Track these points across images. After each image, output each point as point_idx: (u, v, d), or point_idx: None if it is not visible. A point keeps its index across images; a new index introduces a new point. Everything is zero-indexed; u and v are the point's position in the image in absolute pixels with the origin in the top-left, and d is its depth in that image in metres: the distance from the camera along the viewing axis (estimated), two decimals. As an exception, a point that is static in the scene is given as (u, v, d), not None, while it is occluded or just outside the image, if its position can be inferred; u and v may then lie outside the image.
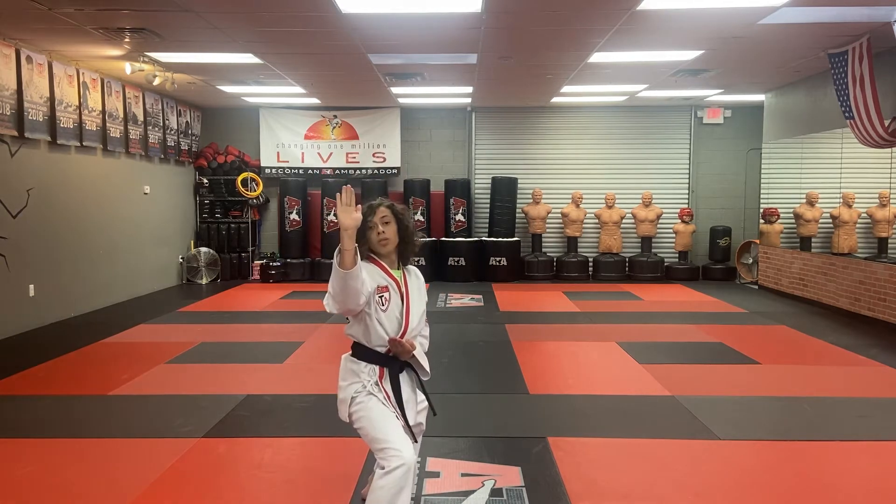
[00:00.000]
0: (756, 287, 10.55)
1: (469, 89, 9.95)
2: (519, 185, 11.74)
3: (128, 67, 7.87)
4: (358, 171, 11.87)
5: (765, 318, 7.97)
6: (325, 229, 11.59)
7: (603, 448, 3.90)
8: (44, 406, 4.71)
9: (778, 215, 10.22)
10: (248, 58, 7.70)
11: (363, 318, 2.67)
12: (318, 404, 4.65)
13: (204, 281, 11.10)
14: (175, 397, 4.89)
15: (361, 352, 2.73)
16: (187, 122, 11.18)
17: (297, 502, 3.26)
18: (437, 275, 11.21)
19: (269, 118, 11.78)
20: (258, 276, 11.36)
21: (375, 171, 11.88)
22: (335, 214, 2.51)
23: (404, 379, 2.77)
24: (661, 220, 11.63)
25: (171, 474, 3.54)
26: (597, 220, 11.77)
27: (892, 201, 9.05)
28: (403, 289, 2.75)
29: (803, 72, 8.69)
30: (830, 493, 3.35)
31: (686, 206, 11.93)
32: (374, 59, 7.82)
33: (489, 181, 11.72)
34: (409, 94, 10.42)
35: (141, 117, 9.53)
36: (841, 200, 9.58)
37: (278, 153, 11.88)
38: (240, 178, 11.28)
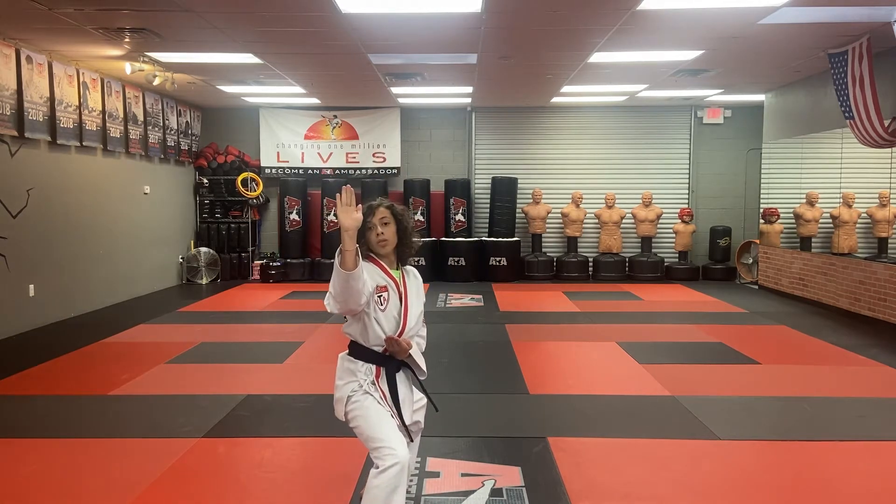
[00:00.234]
0: (756, 287, 10.55)
1: (469, 89, 9.95)
2: (519, 185, 11.74)
3: (128, 67, 7.87)
4: (358, 171, 11.88)
5: (765, 318, 7.97)
6: (325, 229, 11.59)
7: (603, 448, 3.90)
8: (44, 406, 4.72)
9: (778, 215, 10.22)
10: (248, 58, 7.70)
11: (361, 318, 2.68)
12: (318, 404, 4.64)
13: (204, 281, 11.10)
14: (175, 397, 4.89)
15: (358, 351, 2.74)
16: (187, 122, 11.18)
17: (297, 502, 3.26)
18: (437, 275, 11.20)
19: (269, 118, 11.78)
20: (258, 276, 11.36)
21: (375, 171, 11.88)
22: (335, 214, 2.51)
23: (401, 378, 2.77)
24: (661, 220, 11.64)
25: (171, 474, 3.54)
26: (597, 220, 11.77)
27: (892, 201, 9.05)
28: (402, 289, 2.75)
29: (803, 72, 8.69)
30: (830, 493, 3.35)
31: (686, 206, 11.93)
32: (374, 59, 7.82)
33: (489, 181, 11.72)
34: (409, 94, 10.42)
35: (141, 117, 9.53)
36: (841, 200, 9.58)
37: (278, 153, 11.88)
38: (240, 178, 11.28)
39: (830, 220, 9.86)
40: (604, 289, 10.47)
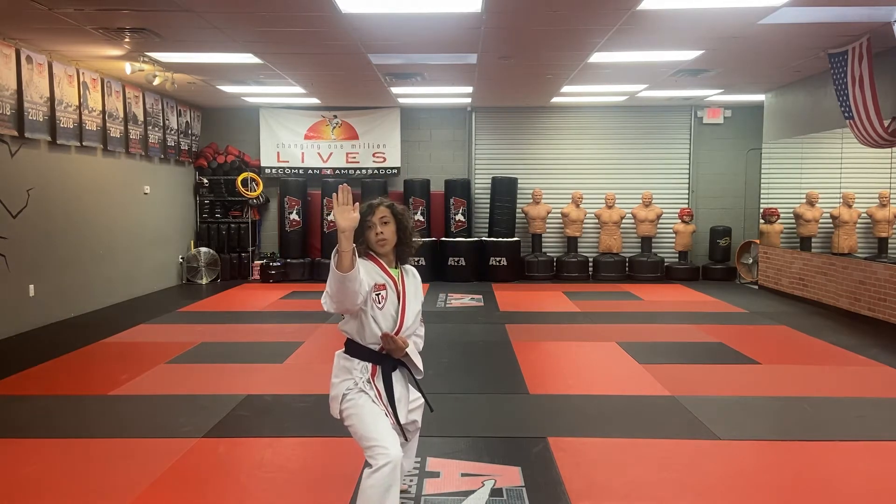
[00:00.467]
0: (756, 287, 10.55)
1: (469, 89, 9.95)
2: (519, 185, 11.74)
3: (128, 67, 7.87)
4: (358, 171, 11.88)
5: (765, 318, 7.97)
6: (325, 229, 11.59)
7: (603, 448, 3.90)
8: (44, 406, 4.71)
9: (778, 215, 10.22)
10: (248, 58, 7.70)
11: (359, 315, 2.68)
12: (318, 404, 4.64)
13: (204, 281, 11.10)
14: (175, 397, 4.89)
15: (355, 349, 2.74)
16: (187, 122, 11.18)
17: (297, 502, 3.26)
18: (437, 275, 11.20)
19: (269, 118, 11.78)
20: (258, 276, 11.36)
21: (375, 171, 11.88)
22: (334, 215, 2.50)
23: (397, 377, 2.77)
24: (661, 220, 11.64)
25: (171, 474, 3.54)
26: (597, 220, 11.77)
27: (892, 201, 9.05)
28: (400, 287, 2.75)
29: (803, 72, 8.69)
30: (830, 493, 3.35)
31: (686, 206, 11.93)
32: (374, 59, 7.82)
33: (489, 181, 11.72)
34: (409, 94, 10.42)
35: (141, 117, 9.53)
36: (841, 200, 9.58)
37: (278, 153, 11.88)
38: (240, 178, 11.28)
39: (830, 220, 9.86)
40: (604, 289, 10.47)
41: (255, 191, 11.35)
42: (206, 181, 11.53)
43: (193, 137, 11.44)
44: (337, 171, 11.86)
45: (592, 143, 12.04)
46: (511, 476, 3.48)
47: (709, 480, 3.49)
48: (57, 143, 7.62)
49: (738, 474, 3.56)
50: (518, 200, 11.73)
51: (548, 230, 11.90)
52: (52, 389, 5.11)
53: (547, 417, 4.46)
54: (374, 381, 2.71)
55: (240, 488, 3.39)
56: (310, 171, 11.88)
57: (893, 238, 9.45)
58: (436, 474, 3.51)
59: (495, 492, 3.30)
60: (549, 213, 11.68)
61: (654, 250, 11.76)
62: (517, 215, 11.71)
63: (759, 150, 10.83)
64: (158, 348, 6.36)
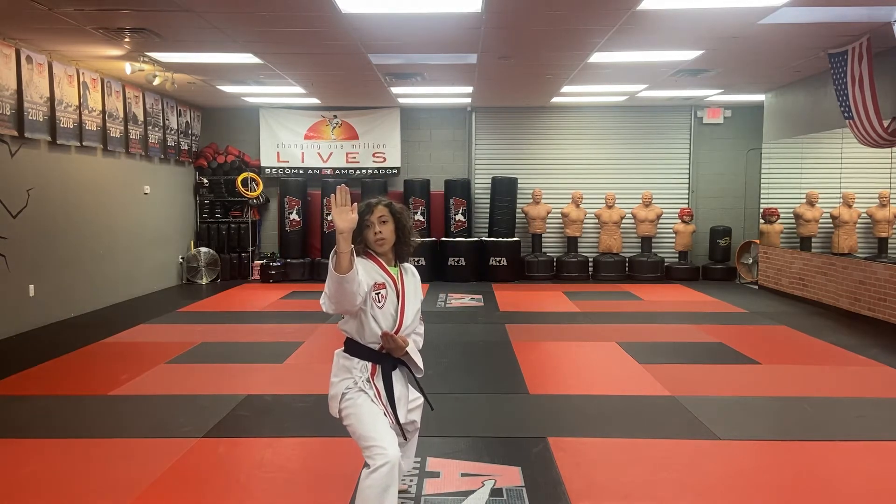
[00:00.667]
0: (756, 287, 10.55)
1: (469, 89, 9.95)
2: (519, 185, 11.74)
3: (128, 67, 7.87)
4: (358, 171, 11.88)
5: (765, 318, 7.97)
6: (325, 229, 11.59)
7: (603, 448, 3.90)
8: (44, 406, 4.71)
9: (778, 215, 10.22)
10: (248, 58, 7.70)
11: (358, 315, 2.68)
12: (318, 404, 4.63)
13: (204, 281, 11.10)
14: (175, 397, 4.89)
15: (354, 348, 2.74)
16: (187, 122, 11.18)
17: (297, 502, 3.26)
18: (437, 275, 11.20)
19: (269, 118, 11.78)
20: (258, 276, 11.35)
21: (375, 171, 11.88)
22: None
23: (397, 376, 2.77)
24: (661, 220, 11.63)
25: (171, 474, 3.54)
26: (597, 220, 11.77)
27: (892, 201, 9.05)
28: (400, 286, 2.75)
29: (803, 72, 8.69)
30: (830, 493, 3.35)
31: (686, 206, 11.93)
32: (374, 59, 7.82)
33: (489, 181, 11.72)
34: (409, 94, 10.42)
35: (141, 117, 9.53)
36: (841, 200, 9.58)
37: (278, 153, 11.88)
38: (240, 178, 11.28)
39: (830, 220, 9.86)
40: (604, 289, 10.47)
41: (255, 191, 11.35)
42: (206, 181, 11.53)
43: (193, 137, 11.44)
44: (337, 171, 11.86)
45: (592, 143, 12.04)
46: (511, 476, 3.48)
47: (709, 480, 3.49)
48: (57, 143, 7.62)
49: (738, 474, 3.56)
50: (518, 200, 11.73)
51: (548, 230, 11.90)
52: (52, 389, 5.11)
53: (547, 417, 4.46)
54: (373, 380, 2.71)
55: (240, 488, 3.39)
56: (310, 171, 11.88)
57: (893, 238, 9.45)
58: (436, 474, 3.51)
59: (495, 492, 3.30)
60: (549, 213, 11.68)
61: (654, 250, 11.76)
62: (517, 215, 11.71)
63: (759, 150, 10.83)
64: (158, 348, 6.36)
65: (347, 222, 2.44)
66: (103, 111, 8.53)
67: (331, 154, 11.87)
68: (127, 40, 6.89)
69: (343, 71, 8.53)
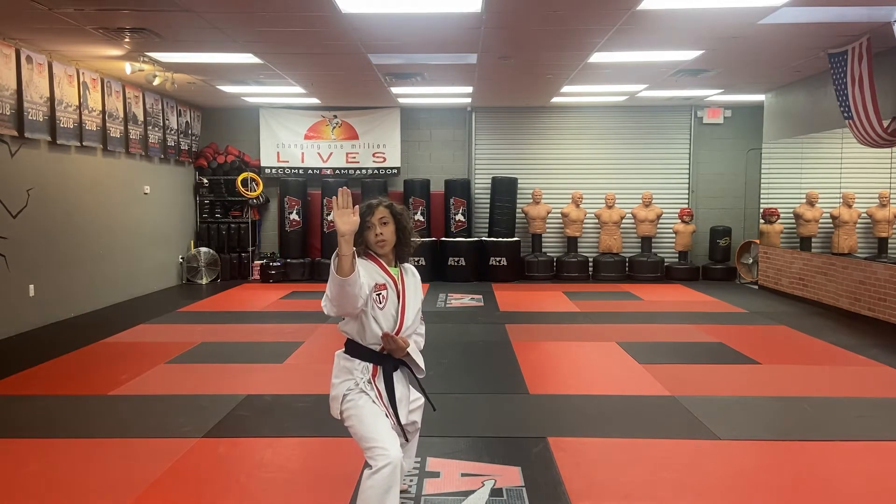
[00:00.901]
0: (756, 287, 10.55)
1: (469, 89, 9.95)
2: (519, 185, 11.74)
3: (128, 67, 7.87)
4: (358, 171, 11.88)
5: (765, 318, 7.97)
6: (325, 229, 11.59)
7: (603, 448, 3.90)
8: (44, 406, 4.71)
9: (778, 215, 10.22)
10: (248, 58, 7.70)
11: (359, 316, 2.68)
12: (318, 404, 4.63)
13: (204, 281, 11.10)
14: (175, 397, 4.89)
15: (355, 349, 2.74)
16: (187, 122, 11.18)
17: (297, 502, 3.26)
18: (437, 275, 11.20)
19: (269, 118, 11.78)
20: (258, 276, 11.36)
21: (375, 171, 11.89)
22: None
23: (398, 377, 2.77)
24: (661, 220, 11.63)
25: (171, 474, 3.54)
26: (597, 220, 11.77)
27: (892, 201, 9.06)
28: (400, 287, 2.75)
29: (803, 72, 8.69)
30: (830, 493, 3.35)
31: (686, 206, 11.93)
32: (374, 59, 7.82)
33: (489, 181, 11.73)
34: (409, 94, 10.42)
35: (141, 117, 9.53)
36: (841, 200, 9.58)
37: (278, 153, 11.88)
38: (240, 178, 11.28)
39: (830, 220, 9.86)
40: (604, 289, 10.47)
41: (255, 191, 11.35)
42: (206, 181, 11.53)
43: (193, 137, 11.44)
44: (337, 171, 11.86)
45: (592, 143, 12.04)
46: (511, 476, 3.48)
47: (708, 480, 3.49)
48: (57, 143, 7.62)
49: (738, 474, 3.56)
50: (518, 200, 11.73)
51: (548, 230, 11.90)
52: (52, 389, 5.11)
53: (547, 417, 4.46)
54: (374, 381, 2.71)
55: (240, 488, 3.39)
56: (310, 171, 11.88)
57: (893, 238, 9.45)
58: (436, 474, 3.51)
59: (495, 492, 3.30)
60: (549, 213, 11.68)
61: (654, 250, 11.76)
62: (517, 215, 11.71)
63: (759, 150, 10.83)
64: (158, 348, 6.36)
65: (349, 225, 2.43)
66: (103, 111, 8.53)
67: (331, 154, 11.87)
68: (127, 40, 6.89)
69: (343, 71, 8.53)
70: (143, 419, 4.43)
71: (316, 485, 3.44)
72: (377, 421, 2.62)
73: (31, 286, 7.28)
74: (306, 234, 11.73)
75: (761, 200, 10.70)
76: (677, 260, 11.70)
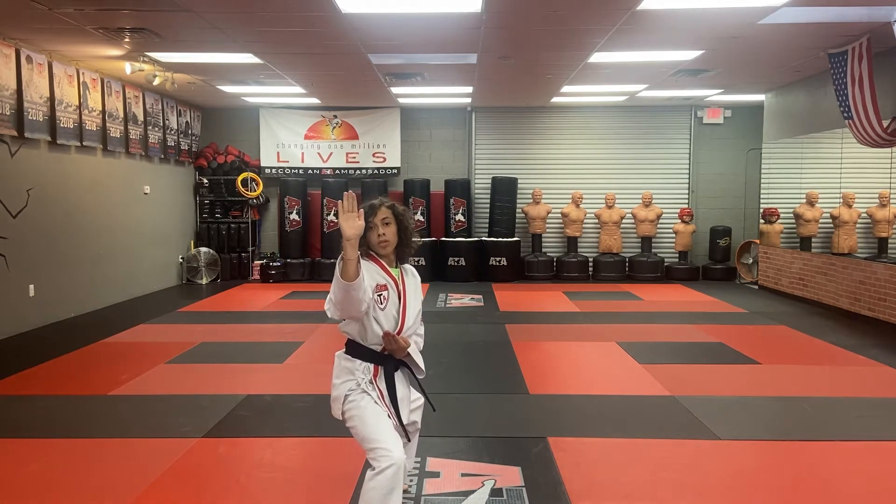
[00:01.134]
0: (756, 287, 10.55)
1: (469, 89, 9.95)
2: (519, 185, 11.74)
3: (128, 67, 7.87)
4: (358, 171, 11.88)
5: (765, 318, 7.97)
6: (325, 229, 11.59)
7: (603, 448, 3.90)
8: (44, 406, 4.71)
9: (778, 215, 10.22)
10: (248, 58, 7.70)
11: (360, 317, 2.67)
12: (318, 404, 4.64)
13: (204, 281, 11.10)
14: (175, 397, 4.89)
15: (356, 350, 2.73)
16: (187, 122, 11.18)
17: (297, 502, 3.26)
18: (437, 275, 11.20)
19: (269, 118, 11.78)
20: (258, 276, 11.36)
21: (375, 171, 11.88)
22: (335, 214, 2.49)
23: (399, 377, 2.77)
24: (661, 220, 11.64)
25: (171, 474, 3.54)
26: (597, 220, 11.77)
27: (892, 201, 9.05)
28: (401, 287, 2.75)
29: (803, 72, 8.69)
30: (830, 493, 3.35)
31: (686, 206, 11.93)
32: (374, 59, 7.82)
33: (489, 181, 11.73)
34: (409, 94, 10.42)
35: (141, 117, 9.53)
36: (841, 200, 9.58)
37: (278, 153, 11.88)
38: (240, 178, 11.28)
39: (830, 220, 9.86)
40: (604, 289, 10.47)
41: (255, 191, 11.35)
42: (206, 181, 11.53)
43: (193, 137, 11.44)
44: (337, 171, 11.86)
45: (592, 143, 12.04)
46: (511, 476, 3.48)
47: (708, 480, 3.49)
48: (57, 143, 7.62)
49: (738, 474, 3.56)
50: (518, 200, 11.73)
51: (548, 230, 11.90)
52: (52, 389, 5.11)
53: (547, 417, 4.46)
54: (376, 381, 2.71)
55: (240, 488, 3.39)
56: (310, 171, 11.88)
57: (893, 238, 9.45)
58: (436, 474, 3.51)
59: (495, 492, 3.30)
60: (549, 213, 11.68)
61: (654, 250, 11.76)
62: (517, 215, 11.71)
63: (759, 150, 10.83)
64: (158, 348, 6.36)
65: (355, 229, 2.42)
66: (103, 111, 8.53)
67: (331, 154, 11.87)
68: (127, 40, 6.89)
69: (343, 71, 8.53)
70: (143, 419, 4.43)
71: (316, 485, 3.44)
72: (380, 421, 2.62)
73: (31, 286, 7.28)
74: (306, 234, 11.73)
75: (761, 200, 10.70)
76: (677, 260, 11.70)
